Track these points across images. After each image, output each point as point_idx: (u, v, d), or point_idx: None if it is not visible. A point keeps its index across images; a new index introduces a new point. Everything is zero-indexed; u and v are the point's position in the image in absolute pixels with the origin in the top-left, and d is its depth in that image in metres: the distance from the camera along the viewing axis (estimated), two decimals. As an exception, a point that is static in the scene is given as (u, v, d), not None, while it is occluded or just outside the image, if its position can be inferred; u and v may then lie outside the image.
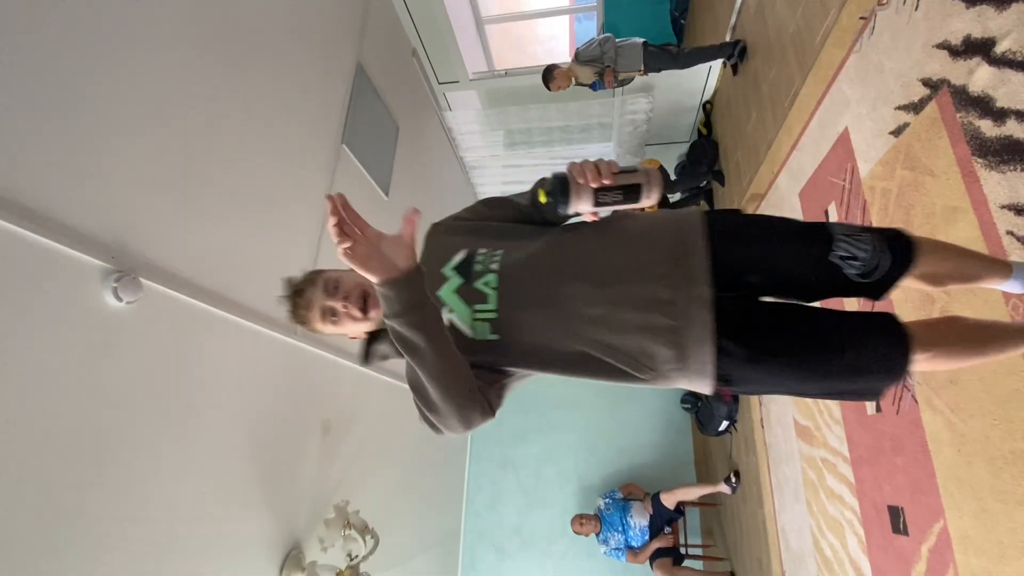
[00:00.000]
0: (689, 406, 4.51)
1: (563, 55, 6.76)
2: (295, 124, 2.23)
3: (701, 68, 3.82)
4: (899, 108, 1.65)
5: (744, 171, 3.28)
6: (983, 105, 1.32)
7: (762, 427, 3.02)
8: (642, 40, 3.49)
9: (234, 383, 1.86)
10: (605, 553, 4.10)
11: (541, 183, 0.82)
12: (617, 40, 3.50)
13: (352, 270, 0.85)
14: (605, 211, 0.77)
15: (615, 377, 0.92)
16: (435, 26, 3.54)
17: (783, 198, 2.60)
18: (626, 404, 4.95)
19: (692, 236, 0.91)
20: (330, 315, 0.96)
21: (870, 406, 1.86)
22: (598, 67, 3.50)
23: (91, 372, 1.34)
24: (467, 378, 0.86)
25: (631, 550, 3.96)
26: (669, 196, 4.00)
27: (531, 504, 4.83)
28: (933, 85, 1.49)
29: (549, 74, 3.55)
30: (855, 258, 0.89)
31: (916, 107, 1.57)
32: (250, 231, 1.95)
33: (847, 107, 1.97)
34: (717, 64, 3.73)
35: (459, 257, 0.97)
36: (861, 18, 1.82)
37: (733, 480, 3.51)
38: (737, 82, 3.42)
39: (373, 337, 1.03)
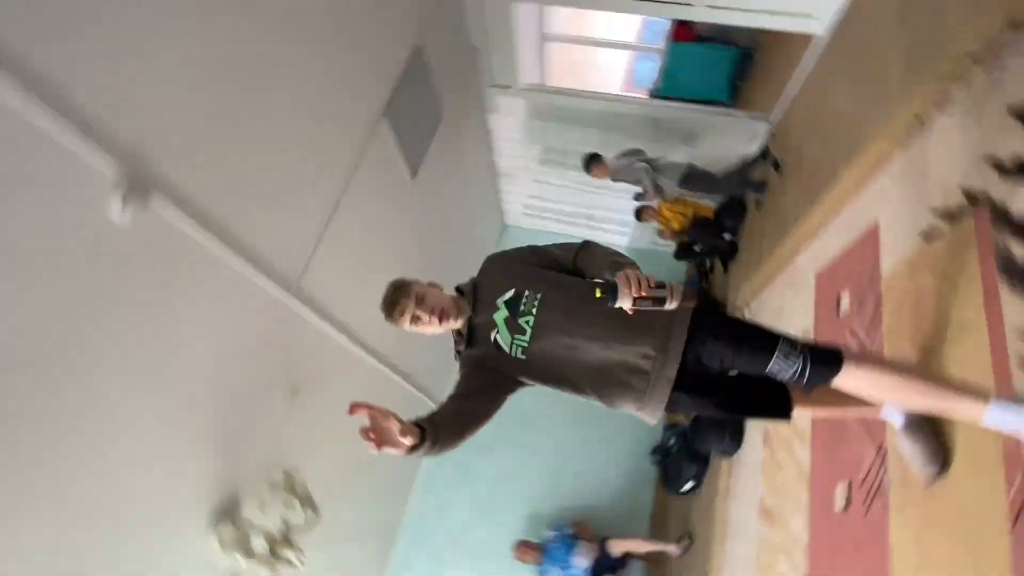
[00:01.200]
0: (658, 459, 4.45)
1: (615, 87, 6.82)
2: (342, 83, 2.22)
3: (745, 130, 3.83)
4: (935, 213, 1.63)
5: (768, 239, 3.27)
6: (1020, 228, 1.31)
7: (726, 498, 2.96)
8: (687, 163, 3.68)
9: (215, 322, 1.84)
10: (541, 584, 4.01)
11: (602, 283, 1.16)
12: (660, 165, 3.71)
13: (432, 287, 1.40)
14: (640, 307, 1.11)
15: (589, 399, 1.37)
16: (500, 29, 3.57)
17: (800, 275, 2.58)
18: (597, 443, 4.88)
19: (677, 334, 1.28)
20: (416, 320, 1.35)
21: (839, 501, 1.81)
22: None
23: (72, 278, 1.30)
24: (477, 425, 1.32)
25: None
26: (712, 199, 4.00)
27: (479, 518, 4.73)
28: (974, 198, 1.48)
29: (591, 164, 3.82)
30: (783, 371, 1.23)
31: (952, 216, 1.56)
32: (272, 177, 1.94)
33: (884, 201, 1.96)
34: (762, 129, 3.74)
35: (510, 294, 1.35)
36: (917, 117, 1.82)
37: (684, 543, 3.45)
38: (780, 152, 3.42)
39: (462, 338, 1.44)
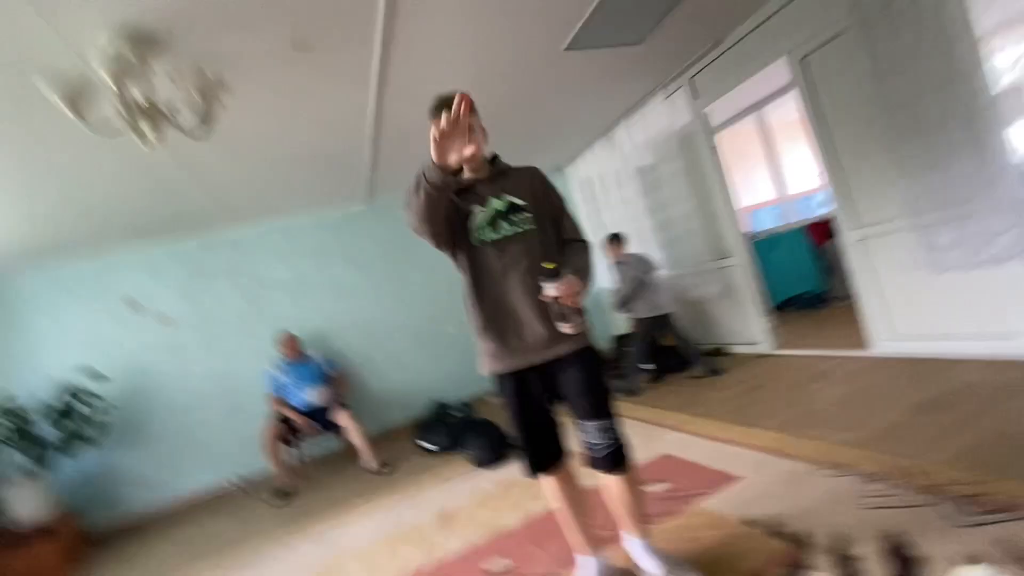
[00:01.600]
0: (433, 409, 4.66)
1: (740, 196, 6.65)
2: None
3: (755, 330, 3.91)
4: (773, 519, 1.74)
5: (669, 398, 3.40)
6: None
7: (435, 478, 3.13)
8: (670, 312, 3.92)
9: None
10: (270, 374, 4.09)
11: (556, 268, 1.35)
12: (650, 291, 3.88)
13: (483, 134, 1.45)
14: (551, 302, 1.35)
15: (472, 311, 1.49)
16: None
17: (655, 438, 2.70)
18: (426, 347, 5.03)
19: (562, 344, 1.44)
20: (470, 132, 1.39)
21: (488, 567, 1.95)
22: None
23: None
24: (437, 224, 1.38)
25: (277, 397, 3.99)
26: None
27: (294, 287, 4.73)
28: (797, 546, 1.58)
29: (614, 241, 4.06)
30: (593, 434, 1.46)
31: (774, 531, 1.67)
32: None
33: (764, 471, 2.07)
34: (762, 347, 3.84)
35: (521, 205, 1.47)
36: (869, 475, 1.91)
37: (384, 470, 3.65)
38: (756, 371, 3.53)
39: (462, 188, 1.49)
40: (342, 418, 3.85)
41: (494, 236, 1.45)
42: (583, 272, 1.43)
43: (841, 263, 3.25)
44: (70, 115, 1.74)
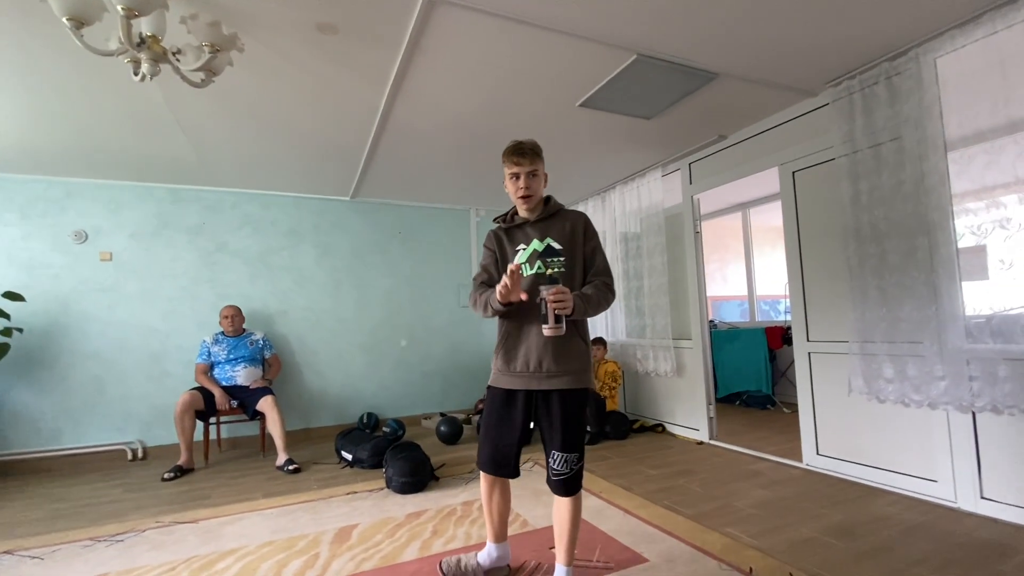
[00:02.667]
0: (364, 421, 4.45)
1: (712, 284, 6.88)
2: None
3: (686, 418, 3.94)
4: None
5: (613, 462, 3.36)
6: None
7: (348, 496, 2.97)
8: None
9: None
10: (204, 343, 3.91)
11: (554, 277, 1.63)
12: None
13: (544, 180, 1.74)
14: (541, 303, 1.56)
15: (502, 331, 1.74)
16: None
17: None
18: (384, 362, 4.86)
19: (560, 380, 1.65)
20: (514, 177, 1.69)
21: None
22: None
23: None
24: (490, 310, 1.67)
25: (203, 363, 3.81)
26: None
27: (263, 261, 4.57)
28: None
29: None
30: (560, 462, 1.65)
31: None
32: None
33: (657, 549, 2.03)
34: (708, 436, 3.85)
35: (559, 251, 1.69)
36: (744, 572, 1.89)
37: (292, 467, 3.45)
38: (646, 444, 3.53)
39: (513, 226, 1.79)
40: (264, 403, 3.66)
41: (529, 272, 1.68)
42: (585, 297, 1.60)
43: (789, 371, 3.33)
44: (67, 27, 1.66)
